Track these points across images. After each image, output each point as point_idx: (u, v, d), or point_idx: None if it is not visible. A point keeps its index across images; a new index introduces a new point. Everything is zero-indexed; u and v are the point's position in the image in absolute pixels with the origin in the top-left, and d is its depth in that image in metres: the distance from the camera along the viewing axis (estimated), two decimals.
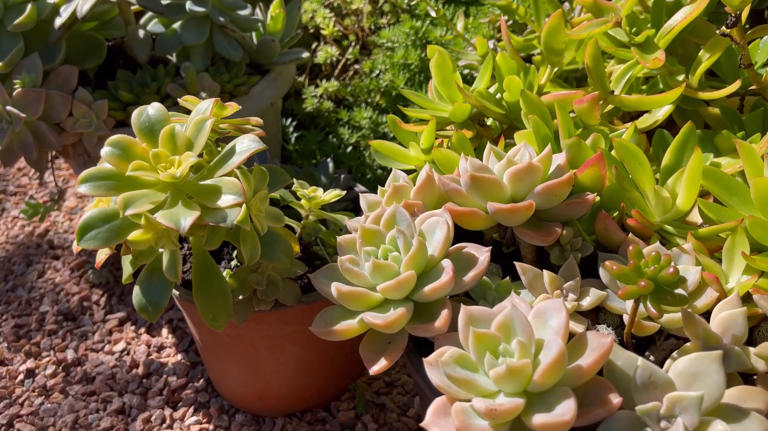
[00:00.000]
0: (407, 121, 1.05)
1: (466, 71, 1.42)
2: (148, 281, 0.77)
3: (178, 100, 0.87)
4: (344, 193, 0.99)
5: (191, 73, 1.19)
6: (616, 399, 0.56)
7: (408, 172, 1.07)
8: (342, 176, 1.17)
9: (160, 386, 1.20)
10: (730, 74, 0.99)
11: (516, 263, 0.74)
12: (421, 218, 0.76)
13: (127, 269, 0.83)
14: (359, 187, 1.20)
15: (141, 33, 1.25)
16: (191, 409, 1.15)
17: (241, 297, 0.89)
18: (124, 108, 1.21)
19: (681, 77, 0.97)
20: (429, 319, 0.68)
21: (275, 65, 1.32)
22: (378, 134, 1.52)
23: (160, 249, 0.76)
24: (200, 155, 0.81)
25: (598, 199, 0.81)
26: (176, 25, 1.25)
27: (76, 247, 0.76)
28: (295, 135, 1.64)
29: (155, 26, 1.27)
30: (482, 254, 0.72)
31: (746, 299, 0.73)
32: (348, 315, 0.73)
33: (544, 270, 0.73)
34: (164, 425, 1.13)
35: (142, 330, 1.33)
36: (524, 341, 0.59)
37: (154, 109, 0.79)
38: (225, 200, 0.72)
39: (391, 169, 1.54)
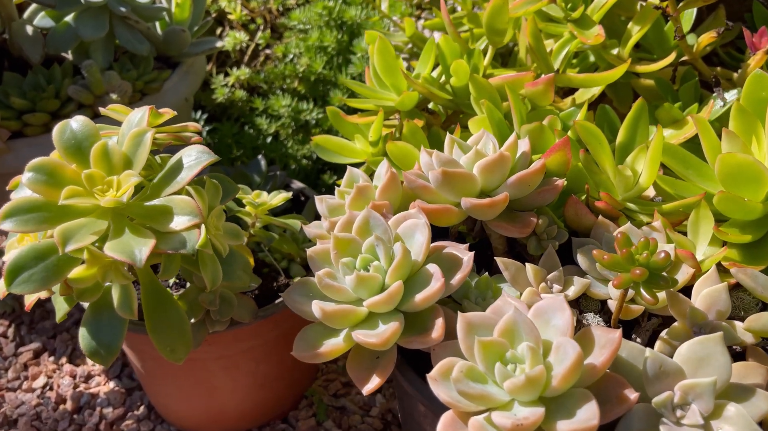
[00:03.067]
0: (348, 112, 0.99)
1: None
2: (96, 320, 0.68)
3: (100, 109, 0.76)
4: (290, 194, 0.92)
5: (94, 71, 1.06)
6: (632, 395, 0.56)
7: (354, 166, 1.02)
8: (277, 173, 1.10)
9: (95, 420, 1.09)
10: (657, 46, 1.01)
11: (498, 259, 0.71)
12: (394, 221, 0.71)
13: (61, 307, 0.73)
14: (296, 184, 1.13)
15: (29, 29, 1.10)
16: None
17: (193, 320, 0.82)
18: (19, 116, 1.06)
19: (615, 51, 0.98)
20: (423, 330, 0.64)
21: (186, 57, 1.21)
22: (300, 122, 1.45)
23: (108, 283, 0.67)
24: None
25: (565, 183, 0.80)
26: (69, 18, 1.11)
27: (2, 292, 0.66)
28: (207, 129, 1.53)
29: (43, 20, 1.12)
30: (465, 254, 0.69)
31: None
32: (330, 333, 0.68)
33: (527, 264, 0.71)
34: None
35: (64, 359, 1.20)
36: (533, 346, 0.57)
37: (78, 123, 0.69)
38: (179, 222, 0.65)
39: (320, 161, 1.48)
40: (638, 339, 0.71)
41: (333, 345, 0.66)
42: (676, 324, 0.68)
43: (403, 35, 1.19)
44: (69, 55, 1.15)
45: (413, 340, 0.63)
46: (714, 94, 0.94)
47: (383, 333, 0.62)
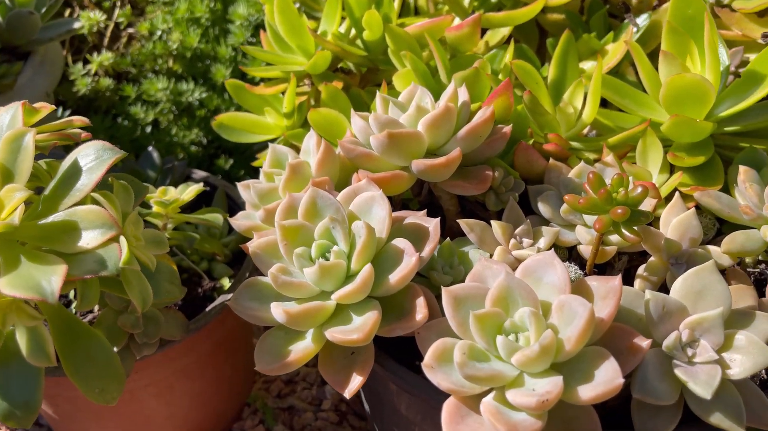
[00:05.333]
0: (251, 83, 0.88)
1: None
2: (2, 375, 0.54)
3: None
4: (202, 186, 0.81)
5: None
6: (644, 343, 0.52)
7: (266, 143, 0.91)
8: (175, 164, 0.97)
9: None
10: None
11: (461, 221, 0.65)
12: (344, 197, 0.63)
13: None
14: (197, 173, 1.00)
15: None
16: None
17: (115, 349, 0.69)
18: None
19: None
20: (402, 314, 0.57)
21: (37, 44, 1.03)
22: (182, 106, 1.30)
23: (12, 327, 0.53)
24: None
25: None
26: None
27: None
28: None
29: None
30: (429, 222, 0.62)
31: (668, 198, 0.73)
32: (295, 336, 0.59)
33: (492, 222, 0.65)
34: None
35: None
36: (535, 310, 0.52)
37: None
38: (90, 238, 0.52)
39: (211, 146, 1.33)
40: None
41: (302, 350, 0.57)
42: (652, 259, 0.65)
43: None
44: None
45: (395, 327, 0.56)
46: (625, 20, 0.93)
47: (364, 327, 0.54)
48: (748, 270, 0.67)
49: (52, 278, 0.48)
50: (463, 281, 0.65)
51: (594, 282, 0.55)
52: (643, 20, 0.91)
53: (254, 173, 1.33)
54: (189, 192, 0.77)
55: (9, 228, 0.50)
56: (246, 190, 0.71)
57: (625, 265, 0.69)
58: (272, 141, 0.88)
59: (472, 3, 0.92)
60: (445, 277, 0.64)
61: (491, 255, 0.65)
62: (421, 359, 0.58)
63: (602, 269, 0.69)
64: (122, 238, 0.53)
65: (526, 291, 0.53)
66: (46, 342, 0.53)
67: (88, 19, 1.27)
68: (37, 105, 0.60)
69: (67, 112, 1.33)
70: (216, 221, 0.77)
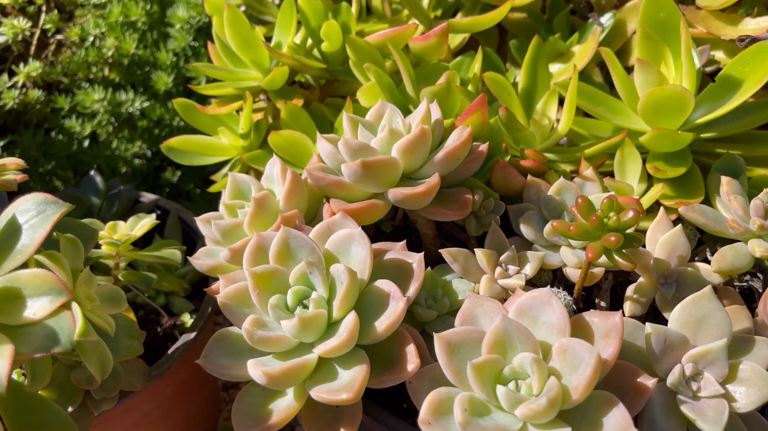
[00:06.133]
0: (202, 102, 0.81)
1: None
2: None
3: None
4: (155, 218, 0.74)
5: None
6: (650, 382, 0.49)
7: (220, 165, 0.85)
8: (120, 189, 0.89)
9: None
10: None
11: (443, 251, 0.61)
12: (317, 235, 0.58)
13: None
14: (146, 196, 0.93)
15: None
16: None
17: (70, 409, 0.62)
18: None
19: None
20: (391, 363, 0.53)
21: None
22: (122, 117, 1.21)
23: None
24: None
25: None
26: None
27: None
28: (0, 144, 1.23)
29: None
30: (412, 258, 0.57)
31: (650, 210, 0.71)
32: (274, 394, 0.54)
33: (476, 250, 0.61)
34: None
35: None
36: (537, 357, 0.48)
37: None
38: (37, 308, 0.46)
39: (157, 158, 1.24)
40: (602, 303, 0.65)
41: (285, 410, 0.52)
42: (641, 279, 0.62)
43: None
44: None
45: (385, 380, 0.52)
46: (589, 20, 0.90)
47: (353, 385, 0.49)
48: (735, 284, 0.65)
49: None
50: (448, 314, 0.62)
51: (594, 318, 0.51)
52: (607, 20, 0.89)
53: (204, 185, 1.25)
54: (141, 227, 0.70)
55: None
56: (206, 225, 0.65)
57: (611, 284, 0.67)
58: (223, 164, 0.82)
59: (431, 5, 0.88)
60: (430, 312, 0.60)
61: (476, 285, 0.61)
62: (408, 400, 0.55)
63: (589, 290, 0.67)
64: (74, 305, 0.47)
65: (525, 335, 0.49)
66: None
67: (11, 27, 1.16)
68: None
69: None
70: (174, 258, 0.71)
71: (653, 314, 0.63)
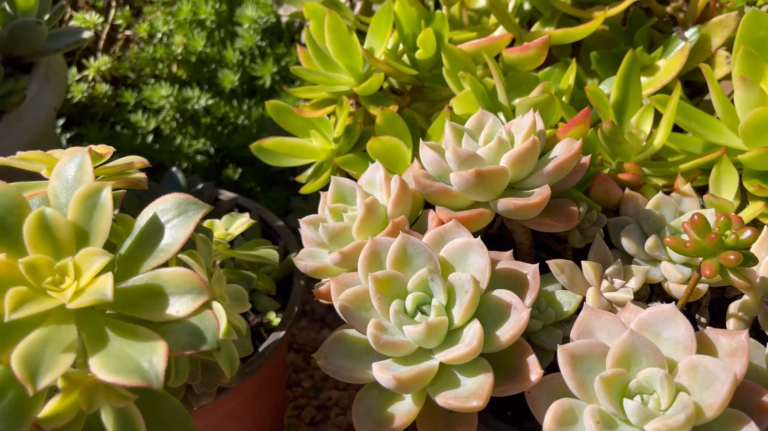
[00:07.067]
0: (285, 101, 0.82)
1: (288, 21, 1.19)
2: None
3: (5, 159, 0.53)
4: (247, 217, 0.75)
5: None
6: None
7: (305, 167, 0.86)
8: (201, 186, 0.90)
9: None
10: None
11: (550, 262, 0.61)
12: (432, 241, 0.58)
13: None
14: (225, 194, 0.94)
15: None
16: None
17: None
18: None
19: None
20: (512, 372, 0.53)
21: (40, 55, 0.94)
22: (187, 114, 1.22)
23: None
24: None
25: None
26: None
27: None
28: (67, 136, 1.25)
29: None
30: (526, 268, 0.58)
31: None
32: (393, 397, 0.54)
33: (583, 262, 0.62)
34: None
35: None
36: (665, 371, 0.49)
37: None
38: (180, 305, 0.47)
39: (218, 155, 1.25)
40: (702, 319, 0.65)
41: (406, 414, 0.53)
42: (746, 297, 0.63)
43: None
44: None
45: (506, 388, 0.52)
46: (673, 34, 0.90)
47: (480, 392, 0.50)
48: None
49: (153, 358, 0.43)
50: (552, 325, 0.62)
51: (720, 337, 0.52)
52: (692, 34, 0.89)
53: (265, 184, 1.26)
54: (238, 226, 0.71)
55: (100, 301, 0.44)
56: (310, 227, 0.65)
57: (709, 299, 0.67)
58: (308, 165, 0.83)
59: (514, 13, 0.89)
60: (536, 322, 0.60)
61: (583, 299, 0.62)
62: (513, 407, 0.55)
63: (688, 305, 0.67)
64: (216, 304, 0.48)
65: (652, 350, 0.50)
66: (137, 423, 0.47)
67: (84, 22, 1.17)
68: (97, 148, 0.54)
69: (61, 120, 1.24)
70: (272, 257, 0.72)
71: (754, 333, 0.64)
